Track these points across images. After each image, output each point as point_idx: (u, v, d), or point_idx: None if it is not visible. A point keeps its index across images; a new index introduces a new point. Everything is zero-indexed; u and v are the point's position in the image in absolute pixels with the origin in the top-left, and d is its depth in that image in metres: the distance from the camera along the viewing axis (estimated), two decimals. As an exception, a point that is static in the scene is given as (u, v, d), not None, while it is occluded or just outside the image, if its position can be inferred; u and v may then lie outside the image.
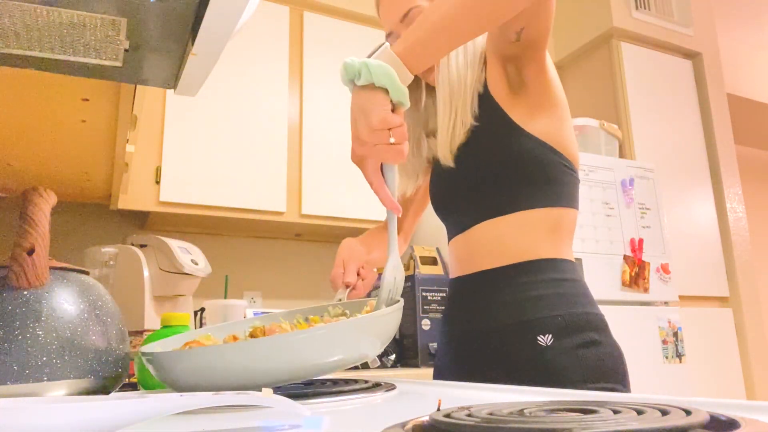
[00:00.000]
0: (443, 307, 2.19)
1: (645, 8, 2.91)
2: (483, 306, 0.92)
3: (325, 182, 2.29)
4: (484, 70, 0.93)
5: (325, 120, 2.35)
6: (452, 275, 1.01)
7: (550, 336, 0.83)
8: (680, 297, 2.51)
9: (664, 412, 0.26)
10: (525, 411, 0.30)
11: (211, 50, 0.69)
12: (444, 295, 2.19)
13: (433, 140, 1.02)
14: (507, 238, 0.90)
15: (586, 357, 0.82)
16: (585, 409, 0.29)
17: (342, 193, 2.31)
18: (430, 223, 2.40)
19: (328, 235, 2.52)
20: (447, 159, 0.93)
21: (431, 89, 1.05)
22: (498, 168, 0.90)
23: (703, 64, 3.02)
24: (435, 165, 1.03)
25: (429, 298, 2.16)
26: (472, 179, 0.92)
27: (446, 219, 1.02)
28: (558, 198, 0.90)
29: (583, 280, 0.92)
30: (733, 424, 0.25)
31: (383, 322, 0.65)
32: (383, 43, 0.76)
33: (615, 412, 0.28)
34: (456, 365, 0.96)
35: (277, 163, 2.21)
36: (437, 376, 1.01)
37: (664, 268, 2.38)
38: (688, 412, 0.26)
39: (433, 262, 2.25)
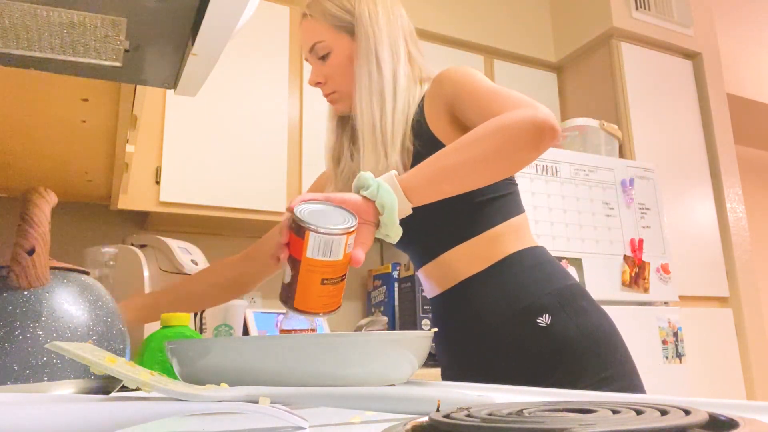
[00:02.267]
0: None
1: (645, 8, 2.91)
2: (474, 308, 0.94)
3: (325, 182, 2.28)
4: (421, 106, 0.95)
5: (325, 120, 2.35)
6: (431, 295, 1.03)
7: (547, 315, 0.88)
8: (680, 297, 2.51)
9: (664, 412, 0.26)
10: (524, 411, 0.30)
11: (211, 50, 0.69)
12: (444, 295, 2.19)
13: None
14: (479, 252, 0.94)
15: (585, 325, 0.89)
16: (584, 409, 0.29)
17: (342, 193, 2.30)
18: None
19: (328, 235, 2.51)
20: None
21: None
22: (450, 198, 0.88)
23: (703, 64, 3.03)
24: None
25: (429, 298, 2.16)
26: (431, 210, 0.84)
27: (407, 250, 1.03)
28: (511, 209, 0.96)
29: (553, 259, 0.97)
30: (732, 423, 0.25)
31: (426, 344, 0.64)
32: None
33: (614, 412, 0.28)
34: (459, 368, 0.98)
35: (277, 163, 2.21)
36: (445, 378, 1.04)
37: (664, 268, 2.39)
38: (687, 412, 0.26)
39: (433, 262, 2.24)
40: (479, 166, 0.78)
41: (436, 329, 0.79)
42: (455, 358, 1.00)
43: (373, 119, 0.94)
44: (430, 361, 2.10)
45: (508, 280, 0.92)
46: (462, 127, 0.92)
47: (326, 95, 1.04)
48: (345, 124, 1.08)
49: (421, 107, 0.95)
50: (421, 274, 1.03)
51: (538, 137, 0.78)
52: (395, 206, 0.74)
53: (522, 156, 0.80)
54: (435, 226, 0.96)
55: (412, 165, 0.92)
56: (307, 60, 1.05)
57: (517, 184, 1.00)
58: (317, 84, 1.03)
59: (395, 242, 0.78)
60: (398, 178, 0.77)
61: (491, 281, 0.93)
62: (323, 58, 1.00)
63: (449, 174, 0.78)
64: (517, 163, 0.81)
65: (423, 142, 0.93)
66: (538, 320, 0.88)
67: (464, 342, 0.97)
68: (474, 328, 0.94)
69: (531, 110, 0.79)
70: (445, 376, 1.04)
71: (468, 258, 0.95)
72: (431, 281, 1.01)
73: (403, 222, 0.79)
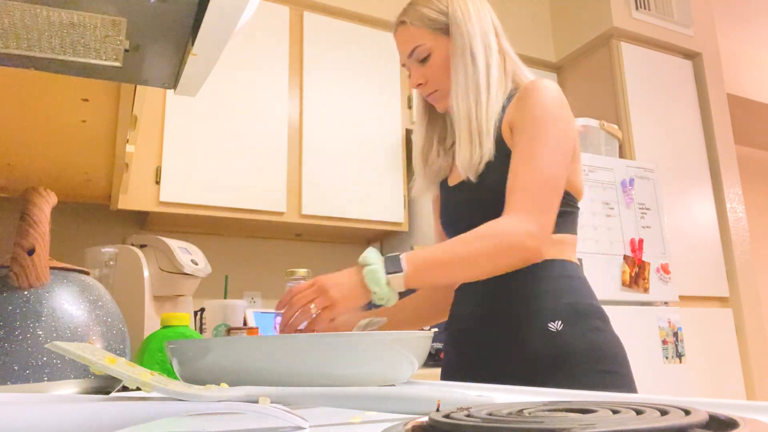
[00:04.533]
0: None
1: (645, 8, 2.91)
2: (492, 303, 0.96)
3: (325, 182, 2.29)
4: (504, 107, 1.00)
5: (325, 120, 2.35)
6: (457, 286, 1.05)
7: (560, 322, 0.90)
8: (680, 297, 2.51)
9: (664, 412, 0.26)
10: (524, 411, 0.30)
11: (211, 50, 0.69)
12: (444, 295, 2.19)
13: (444, 156, 1.11)
14: None
15: (594, 341, 0.90)
16: (584, 409, 0.29)
17: (342, 193, 2.31)
18: (430, 224, 2.39)
19: (328, 235, 2.52)
20: (471, 174, 0.98)
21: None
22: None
23: (703, 64, 3.03)
24: (444, 184, 1.10)
25: (429, 298, 2.16)
26: (487, 201, 0.96)
27: (451, 234, 1.04)
28: (564, 227, 0.97)
29: (585, 278, 0.99)
30: (732, 424, 0.25)
31: (426, 344, 0.64)
32: (399, 255, 0.87)
33: (614, 412, 0.28)
34: (462, 360, 0.99)
35: (277, 163, 2.21)
36: (445, 376, 1.04)
37: (664, 268, 2.39)
38: (687, 412, 0.26)
39: (433, 262, 2.24)
40: (469, 272, 0.90)
41: (436, 329, 0.80)
42: (462, 350, 1.00)
43: (468, 110, 0.98)
44: (430, 361, 2.10)
45: (532, 283, 0.94)
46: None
47: (428, 95, 1.06)
48: (435, 124, 1.12)
49: (504, 109, 0.99)
50: None
51: (522, 260, 0.90)
52: (384, 293, 0.85)
53: (504, 269, 0.91)
54: (487, 216, 0.95)
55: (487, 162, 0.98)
56: (404, 65, 1.08)
57: (578, 208, 1.02)
58: (419, 86, 1.06)
59: (388, 304, 0.87)
60: (407, 263, 0.85)
61: (515, 279, 0.94)
62: (423, 60, 1.03)
63: (445, 276, 0.90)
64: (500, 272, 0.92)
65: (495, 143, 0.98)
66: (549, 324, 0.90)
67: (473, 333, 0.98)
68: (486, 321, 0.96)
69: (523, 236, 0.87)
70: (447, 373, 1.04)
71: None
72: None
73: (459, 205, 1.00)
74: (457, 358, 1.01)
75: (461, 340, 1.01)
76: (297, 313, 0.83)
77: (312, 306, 0.83)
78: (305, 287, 0.85)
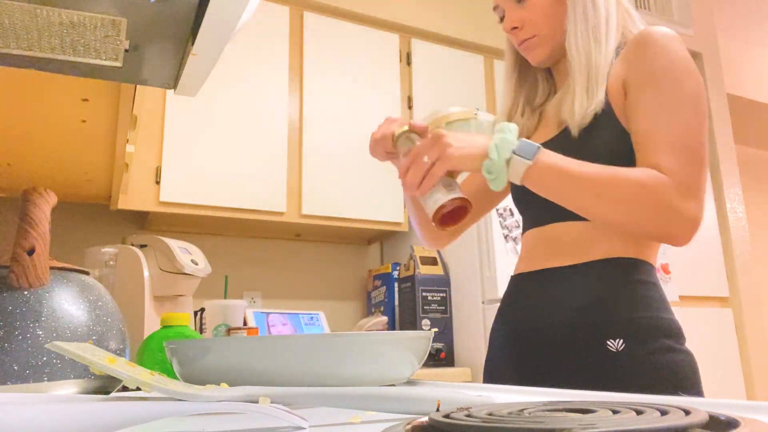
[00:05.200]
0: (441, 307, 2.20)
1: (645, 8, 2.91)
2: (548, 304, 0.87)
3: (325, 182, 2.29)
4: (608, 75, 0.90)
5: (325, 120, 2.35)
6: (516, 271, 0.97)
7: (621, 341, 0.79)
8: (680, 297, 2.51)
9: (664, 412, 0.26)
10: (524, 411, 0.30)
11: (211, 50, 0.69)
12: (444, 295, 2.19)
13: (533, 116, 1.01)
14: (584, 240, 0.87)
15: (660, 365, 0.79)
16: (584, 409, 0.29)
17: (342, 193, 2.31)
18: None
19: (328, 235, 2.52)
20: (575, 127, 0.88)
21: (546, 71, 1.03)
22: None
23: (703, 64, 3.03)
24: None
25: (429, 298, 2.16)
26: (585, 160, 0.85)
27: (524, 210, 0.98)
28: None
29: (659, 284, 0.88)
30: (732, 423, 0.25)
31: (426, 344, 0.63)
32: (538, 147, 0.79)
33: (614, 412, 0.28)
34: (515, 368, 0.91)
35: (277, 163, 2.21)
36: (490, 379, 0.96)
37: (664, 268, 2.38)
38: (687, 412, 0.26)
39: (433, 262, 2.25)
40: (595, 210, 0.78)
41: (436, 329, 0.77)
42: (503, 348, 0.93)
43: (589, 53, 0.88)
44: (430, 361, 2.10)
45: (596, 287, 0.84)
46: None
47: (523, 41, 0.95)
48: (524, 80, 1.03)
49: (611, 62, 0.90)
50: (523, 239, 0.98)
51: (664, 233, 0.77)
52: (506, 152, 0.76)
53: (639, 232, 0.80)
54: None
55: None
56: (496, 8, 0.98)
57: None
58: (513, 30, 0.95)
59: (496, 188, 0.78)
60: (541, 157, 0.77)
61: (577, 280, 0.85)
62: (520, 0, 0.94)
63: (570, 194, 0.78)
64: (632, 232, 0.81)
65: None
66: (608, 342, 0.79)
67: (521, 334, 0.90)
68: (544, 327, 0.87)
69: (684, 207, 0.75)
70: (488, 369, 0.97)
71: (572, 241, 0.87)
72: (526, 250, 0.95)
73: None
74: (510, 367, 0.92)
75: (514, 349, 0.91)
76: (411, 168, 0.78)
77: (425, 158, 0.78)
78: (426, 140, 0.80)
